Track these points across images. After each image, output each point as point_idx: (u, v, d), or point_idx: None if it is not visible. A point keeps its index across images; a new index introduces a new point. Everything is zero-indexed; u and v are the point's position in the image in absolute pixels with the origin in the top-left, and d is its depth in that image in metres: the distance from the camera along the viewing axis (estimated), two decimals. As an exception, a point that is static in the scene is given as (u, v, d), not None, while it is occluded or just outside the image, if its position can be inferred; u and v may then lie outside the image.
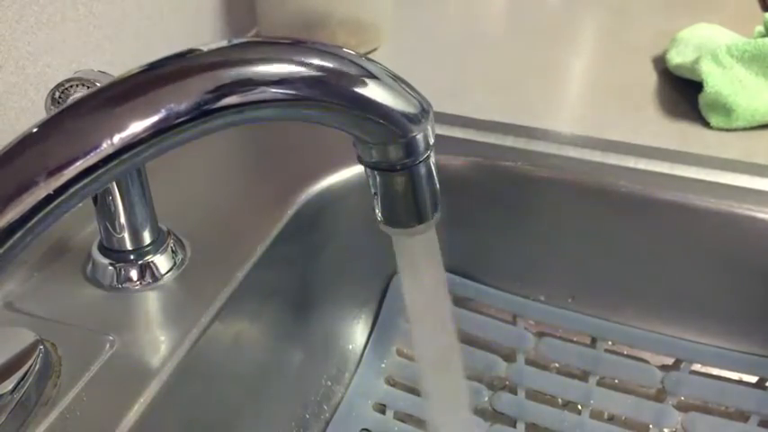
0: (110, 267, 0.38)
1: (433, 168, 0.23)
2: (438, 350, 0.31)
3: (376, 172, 0.23)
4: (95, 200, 0.37)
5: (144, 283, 0.39)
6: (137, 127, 0.17)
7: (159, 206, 0.39)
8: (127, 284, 0.38)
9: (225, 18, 0.65)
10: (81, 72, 0.34)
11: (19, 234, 0.17)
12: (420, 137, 0.22)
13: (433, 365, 0.32)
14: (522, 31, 0.73)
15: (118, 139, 0.17)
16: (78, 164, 0.17)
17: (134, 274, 0.39)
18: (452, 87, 0.60)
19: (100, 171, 0.17)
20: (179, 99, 0.17)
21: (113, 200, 0.37)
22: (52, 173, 0.17)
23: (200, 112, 0.18)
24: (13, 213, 0.17)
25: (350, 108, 0.20)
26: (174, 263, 0.40)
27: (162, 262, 0.39)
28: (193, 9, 0.60)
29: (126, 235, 0.38)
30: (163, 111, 0.17)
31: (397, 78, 0.22)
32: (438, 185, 0.24)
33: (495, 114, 0.54)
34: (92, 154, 0.17)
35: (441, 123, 0.53)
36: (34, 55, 0.44)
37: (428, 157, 0.23)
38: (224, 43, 0.19)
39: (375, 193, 0.24)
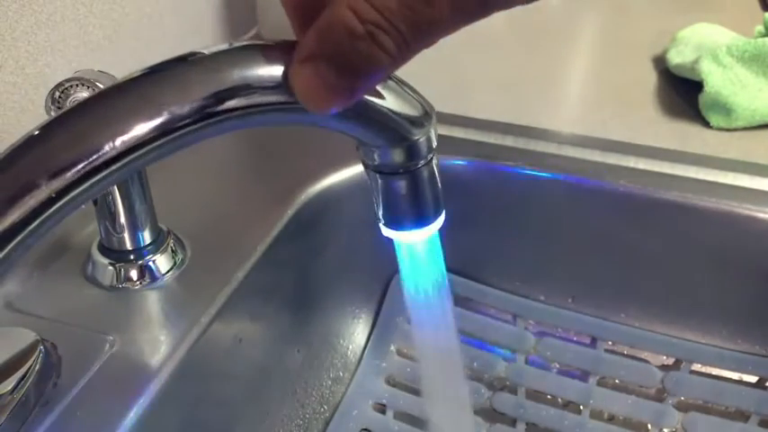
0: (110, 267, 0.38)
1: (435, 171, 0.23)
2: (439, 353, 0.31)
3: (378, 175, 0.23)
4: (95, 200, 0.37)
5: (144, 282, 0.39)
6: (139, 130, 0.17)
7: (159, 206, 0.39)
8: (127, 284, 0.38)
9: (225, 18, 0.65)
10: (81, 72, 0.34)
11: (21, 236, 0.17)
12: (423, 140, 0.22)
13: (435, 368, 0.32)
14: (522, 31, 0.72)
15: (120, 142, 0.17)
16: (80, 167, 0.17)
17: (134, 273, 0.39)
18: (452, 87, 0.60)
19: (102, 174, 0.17)
20: (182, 102, 0.17)
21: (113, 200, 0.37)
22: (54, 175, 0.17)
23: (203, 116, 0.18)
24: (15, 216, 0.17)
25: (352, 112, 0.20)
26: (174, 263, 0.40)
27: (162, 262, 0.39)
28: (193, 9, 0.60)
29: (126, 235, 0.38)
30: (165, 114, 0.17)
31: (399, 81, 0.22)
32: (440, 188, 0.24)
33: (495, 114, 0.54)
34: (94, 156, 0.17)
35: (441, 123, 0.53)
36: (34, 55, 0.44)
37: (431, 160, 0.23)
38: (225, 46, 0.19)
39: (377, 196, 0.24)
